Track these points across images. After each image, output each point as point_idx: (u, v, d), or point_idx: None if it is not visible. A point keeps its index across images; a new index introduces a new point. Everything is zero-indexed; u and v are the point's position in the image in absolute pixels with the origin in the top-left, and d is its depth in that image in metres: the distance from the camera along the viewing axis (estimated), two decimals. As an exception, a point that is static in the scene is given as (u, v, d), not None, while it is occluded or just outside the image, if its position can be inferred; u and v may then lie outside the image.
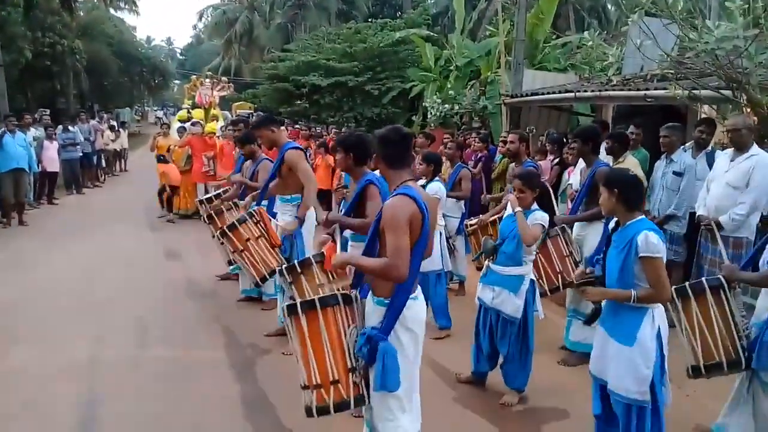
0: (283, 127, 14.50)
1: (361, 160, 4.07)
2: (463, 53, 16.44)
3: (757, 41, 5.24)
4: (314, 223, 5.54)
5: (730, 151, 5.09)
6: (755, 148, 4.89)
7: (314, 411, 2.90)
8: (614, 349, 3.25)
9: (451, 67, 16.69)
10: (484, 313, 4.50)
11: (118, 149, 19.10)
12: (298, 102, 21.89)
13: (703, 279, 3.61)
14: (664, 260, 3.18)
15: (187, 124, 12.75)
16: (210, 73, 23.00)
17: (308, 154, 10.56)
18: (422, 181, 5.57)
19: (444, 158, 6.75)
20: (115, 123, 20.46)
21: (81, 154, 14.56)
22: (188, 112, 18.96)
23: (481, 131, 10.70)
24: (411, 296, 2.89)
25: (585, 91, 9.34)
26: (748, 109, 5.55)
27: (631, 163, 5.44)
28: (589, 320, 3.50)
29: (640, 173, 5.12)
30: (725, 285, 3.43)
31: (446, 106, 14.60)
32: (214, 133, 12.33)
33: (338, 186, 9.40)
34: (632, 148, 6.10)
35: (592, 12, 30.38)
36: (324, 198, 10.00)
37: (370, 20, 26.32)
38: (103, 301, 6.47)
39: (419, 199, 2.81)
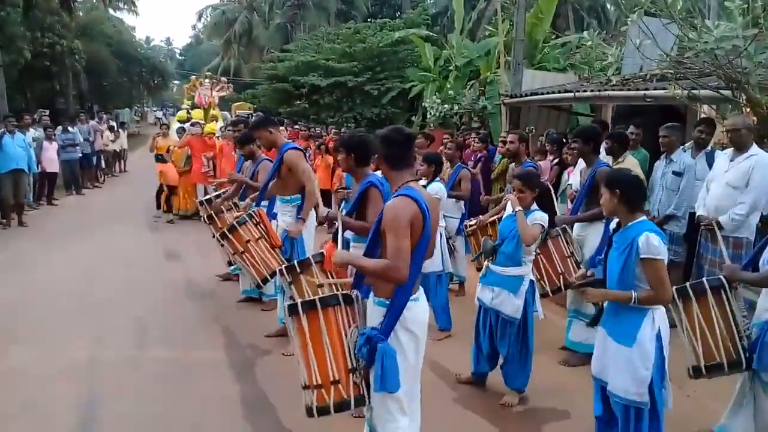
0: (282, 128, 14.54)
1: (363, 160, 4.06)
2: (463, 53, 16.44)
3: (756, 41, 5.24)
4: (314, 224, 5.53)
5: (729, 151, 5.09)
6: (755, 148, 4.89)
7: (315, 411, 2.90)
8: (614, 350, 3.25)
9: (451, 67, 16.70)
10: (484, 313, 4.50)
11: (118, 150, 19.10)
12: (298, 102, 21.89)
13: (704, 279, 3.61)
14: (666, 262, 3.17)
15: (187, 125, 12.76)
16: (209, 73, 23.05)
17: (308, 155, 10.56)
18: (423, 182, 5.56)
19: (443, 158, 6.75)
20: (114, 123, 20.45)
21: (80, 155, 14.55)
22: (188, 112, 18.99)
23: (481, 131, 10.70)
24: (412, 297, 2.87)
25: (584, 91, 9.34)
26: (748, 109, 5.56)
27: (630, 163, 5.43)
28: (593, 322, 3.50)
29: (640, 173, 5.11)
30: (726, 285, 3.43)
31: (446, 106, 14.61)
32: (214, 134, 12.35)
33: (338, 187, 9.42)
34: (632, 148, 6.09)
35: (591, 12, 30.40)
36: (324, 198, 9.98)
37: (369, 20, 26.29)
38: (103, 302, 6.47)
39: (421, 200, 2.79)
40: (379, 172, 3.87)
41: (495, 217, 5.64)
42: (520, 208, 4.30)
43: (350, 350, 2.89)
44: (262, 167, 6.20)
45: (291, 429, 3.99)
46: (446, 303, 5.70)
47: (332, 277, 3.78)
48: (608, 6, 31.39)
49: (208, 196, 7.29)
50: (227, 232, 5.30)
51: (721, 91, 5.67)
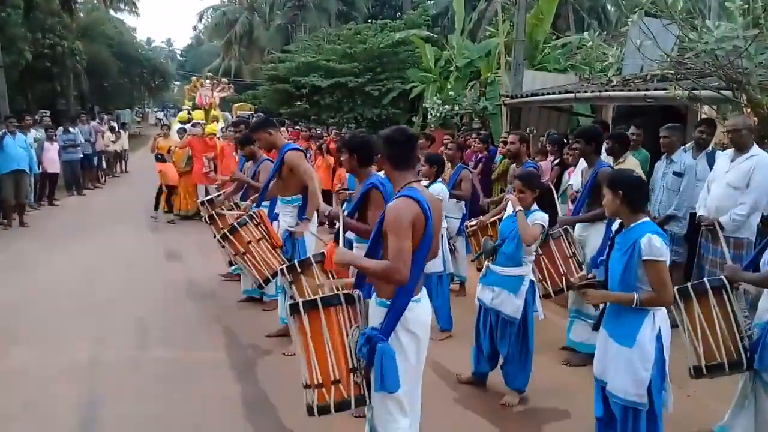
0: (283, 129, 14.54)
1: (365, 161, 4.04)
2: (463, 54, 16.45)
3: (756, 41, 5.25)
4: (316, 224, 5.53)
5: (730, 151, 5.09)
6: (755, 149, 4.89)
7: (315, 410, 2.90)
8: (614, 351, 3.25)
9: (451, 68, 16.70)
10: (484, 313, 4.50)
11: (119, 150, 19.11)
12: (298, 103, 21.91)
13: (706, 279, 3.60)
14: (668, 264, 3.16)
15: (188, 125, 12.79)
16: (210, 74, 23.09)
17: (308, 155, 10.57)
18: (425, 183, 5.57)
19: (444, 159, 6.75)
20: (115, 124, 20.46)
21: (81, 156, 14.56)
22: (188, 113, 19.03)
23: (481, 132, 10.70)
24: (413, 298, 2.86)
25: (585, 91, 9.35)
26: (748, 110, 5.56)
27: (631, 163, 5.44)
28: (597, 326, 3.49)
29: (641, 174, 5.12)
30: (727, 285, 3.42)
31: (446, 106, 14.61)
32: (215, 134, 12.36)
33: (340, 188, 9.42)
34: (633, 148, 6.10)
35: (591, 12, 30.40)
36: (325, 199, 9.99)
37: (370, 21, 26.31)
38: (104, 302, 6.47)
39: (423, 201, 2.79)
40: (381, 173, 3.87)
41: (495, 217, 5.65)
42: (521, 209, 4.30)
43: (351, 350, 2.89)
44: (263, 168, 6.21)
45: (292, 429, 3.99)
46: (447, 303, 5.70)
47: (333, 277, 3.78)
48: (609, 7, 31.40)
49: (209, 197, 7.30)
50: (228, 234, 5.31)
51: (721, 91, 5.67)
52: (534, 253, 4.51)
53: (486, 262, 4.50)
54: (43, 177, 12.65)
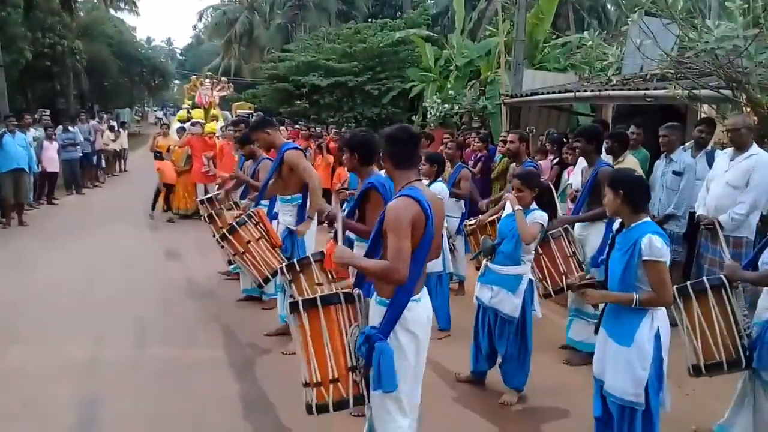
0: (283, 128, 14.54)
1: (366, 160, 4.00)
2: (463, 53, 16.45)
3: (756, 41, 5.25)
4: (315, 223, 5.53)
5: (729, 150, 5.09)
6: (755, 148, 4.89)
7: (314, 409, 2.90)
8: (612, 350, 3.24)
9: (451, 67, 16.70)
10: (483, 312, 4.50)
11: (118, 149, 19.11)
12: (298, 102, 21.91)
13: (705, 278, 3.60)
14: (668, 264, 3.15)
15: (187, 124, 12.78)
16: (210, 73, 23.10)
17: (308, 154, 10.57)
18: (425, 182, 5.56)
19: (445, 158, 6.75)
20: (114, 123, 20.48)
21: (81, 155, 14.56)
22: (188, 112, 19.03)
23: (481, 131, 10.71)
24: (413, 298, 2.85)
25: (585, 90, 9.35)
26: (748, 109, 5.56)
27: (630, 162, 5.44)
28: (599, 327, 3.48)
29: (640, 173, 5.12)
30: (727, 284, 3.42)
31: (446, 106, 14.61)
32: (214, 133, 12.36)
33: (340, 187, 9.43)
34: (633, 147, 6.10)
35: (591, 12, 30.40)
36: (324, 198, 9.98)
37: (369, 20, 26.33)
38: (103, 301, 6.47)
39: (423, 200, 2.77)
40: (383, 172, 3.85)
41: (494, 216, 5.64)
42: (519, 208, 4.30)
43: (350, 349, 2.89)
44: (263, 166, 6.21)
45: (291, 428, 3.99)
46: (447, 303, 5.70)
47: (332, 276, 3.78)
48: (609, 6, 31.39)
49: (208, 195, 7.30)
50: (227, 234, 5.30)
51: (721, 90, 5.67)
52: (533, 252, 4.51)
53: (485, 261, 4.50)
54: (42, 176, 12.64)
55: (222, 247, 5.54)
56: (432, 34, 20.72)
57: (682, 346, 3.53)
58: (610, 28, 26.04)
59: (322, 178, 9.32)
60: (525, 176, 4.44)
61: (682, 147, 5.85)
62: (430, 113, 15.16)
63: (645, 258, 3.09)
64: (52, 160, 12.71)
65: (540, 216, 4.34)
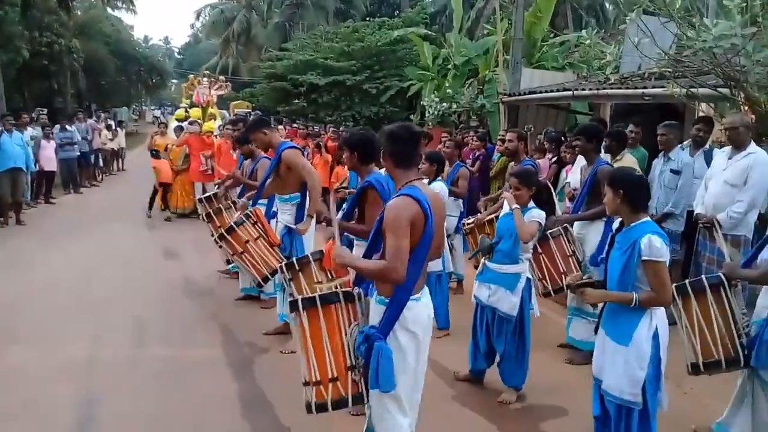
0: (281, 126, 14.52)
1: (366, 158, 3.98)
2: (461, 52, 16.45)
3: (754, 39, 5.24)
4: (315, 222, 5.52)
5: (727, 149, 5.09)
6: (753, 146, 4.89)
7: (313, 407, 2.91)
8: (611, 349, 3.23)
9: (449, 66, 16.71)
10: (481, 311, 4.50)
11: (116, 148, 19.08)
12: (296, 101, 21.90)
13: (703, 277, 3.60)
14: (668, 264, 3.14)
15: (185, 123, 12.74)
16: (208, 72, 23.03)
17: (306, 153, 10.56)
18: (424, 181, 5.55)
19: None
20: (112, 122, 20.44)
21: (78, 154, 14.54)
22: (186, 111, 18.98)
23: (479, 130, 10.71)
24: (413, 297, 2.83)
25: (583, 89, 9.35)
26: (746, 107, 5.56)
27: (629, 161, 5.44)
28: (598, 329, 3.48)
29: (639, 172, 5.12)
30: (725, 283, 3.42)
31: (444, 104, 14.61)
32: (212, 132, 12.33)
33: (340, 186, 9.42)
34: (631, 146, 6.10)
35: (590, 10, 30.43)
36: (322, 196, 9.98)
37: (367, 19, 26.33)
38: (101, 300, 6.46)
39: (423, 200, 2.75)
40: (383, 170, 3.85)
41: (493, 215, 5.64)
42: (517, 206, 4.29)
43: (350, 348, 2.88)
44: (261, 165, 6.20)
45: (290, 427, 3.99)
46: (446, 303, 5.70)
47: (331, 275, 3.78)
48: (607, 5, 31.42)
49: (207, 194, 7.29)
50: (225, 234, 5.29)
51: (719, 89, 5.68)
52: (531, 250, 4.51)
53: (483, 260, 4.50)
54: (39, 175, 12.62)
55: (220, 247, 5.53)
56: (430, 32, 20.71)
57: (680, 344, 3.53)
58: (608, 27, 26.07)
59: (320, 178, 9.33)
60: (522, 175, 4.43)
61: (680, 146, 5.85)
62: (428, 112, 15.16)
63: (644, 258, 3.07)
64: (49, 159, 12.69)
65: (538, 214, 4.34)
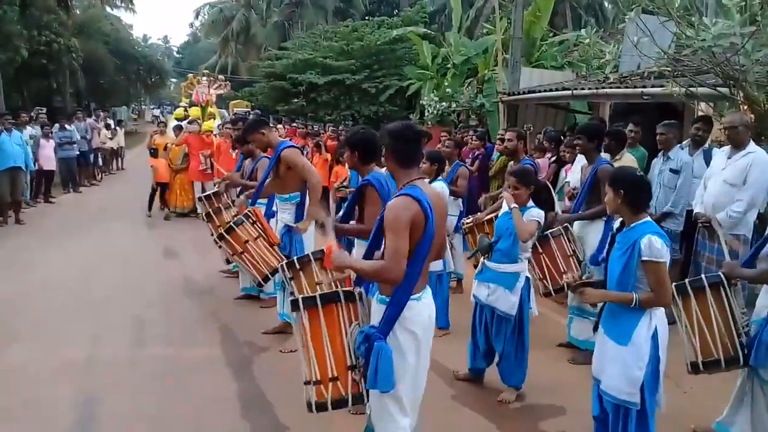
0: (280, 126, 14.51)
1: (367, 157, 3.96)
2: (461, 51, 16.45)
3: (753, 38, 5.25)
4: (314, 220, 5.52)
5: (727, 148, 5.09)
6: (752, 146, 4.89)
7: (313, 407, 2.91)
8: (609, 349, 3.22)
9: (449, 65, 16.71)
10: (480, 310, 4.50)
11: (115, 148, 19.07)
12: (295, 100, 21.92)
13: (703, 276, 3.60)
14: (668, 265, 3.13)
15: (184, 123, 12.74)
16: (207, 71, 23.03)
17: (305, 153, 10.55)
18: (426, 180, 5.54)
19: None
20: (111, 121, 20.44)
21: (78, 153, 14.53)
22: (185, 110, 18.96)
23: (478, 129, 10.71)
24: (413, 297, 2.81)
25: (582, 88, 9.37)
26: (745, 107, 5.57)
27: (628, 160, 5.45)
28: (597, 325, 3.47)
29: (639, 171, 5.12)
30: (725, 282, 3.42)
31: (443, 104, 14.61)
32: (211, 132, 12.34)
33: (339, 185, 9.42)
34: (631, 146, 6.11)
35: (589, 10, 30.42)
36: (321, 195, 9.99)
37: (367, 18, 26.32)
38: (101, 300, 6.46)
39: (423, 200, 2.74)
40: (383, 169, 3.84)
41: (492, 214, 5.64)
42: (516, 205, 4.29)
43: (350, 348, 2.88)
44: (261, 165, 6.19)
45: (289, 426, 3.99)
46: (446, 303, 5.69)
47: (332, 275, 3.78)
48: (606, 4, 31.41)
49: (206, 193, 7.29)
50: (225, 234, 5.29)
51: (718, 88, 5.68)
52: (530, 249, 4.51)
53: (482, 259, 4.50)
54: (39, 174, 12.63)
55: (220, 247, 5.53)
56: (429, 31, 20.72)
57: (680, 344, 3.53)
58: (608, 26, 26.09)
59: (320, 177, 9.33)
60: (521, 174, 4.43)
61: (679, 145, 5.85)
62: (428, 111, 15.16)
63: (644, 258, 3.06)
64: (48, 159, 12.69)
65: (537, 213, 4.34)
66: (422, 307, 2.87)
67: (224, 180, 6.70)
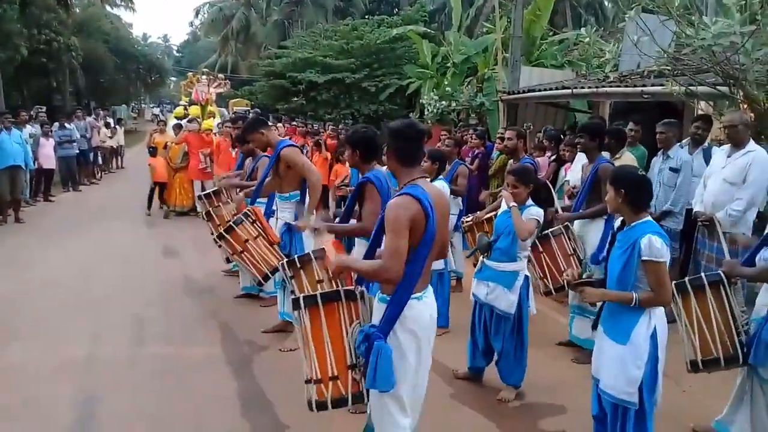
0: (280, 124, 14.49)
1: (368, 156, 3.95)
2: (460, 50, 16.44)
3: (753, 37, 5.25)
4: (313, 219, 5.52)
5: (726, 147, 5.10)
6: (752, 144, 4.90)
7: (314, 405, 2.91)
8: (608, 348, 3.22)
9: (448, 64, 16.71)
10: (479, 309, 4.50)
11: (115, 146, 19.07)
12: (295, 99, 21.92)
13: (702, 275, 3.60)
14: (668, 265, 3.12)
15: (184, 121, 12.74)
16: (206, 70, 23.04)
17: (305, 151, 10.55)
18: (427, 179, 5.54)
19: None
20: (111, 120, 20.44)
21: (77, 151, 14.53)
22: (185, 109, 18.95)
23: (478, 128, 10.71)
24: (414, 296, 2.80)
25: (582, 87, 9.36)
26: (745, 105, 5.57)
27: (627, 159, 5.44)
28: (596, 323, 3.47)
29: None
30: (725, 280, 3.42)
31: (443, 102, 14.61)
32: (211, 130, 12.33)
33: (340, 184, 9.42)
34: (631, 145, 6.10)
35: (589, 8, 30.41)
36: (321, 194, 9.99)
37: (366, 17, 26.33)
38: (100, 299, 6.46)
39: (424, 199, 2.73)
40: (384, 168, 3.84)
41: (491, 213, 5.64)
42: (514, 204, 4.29)
43: (351, 347, 2.88)
44: (261, 164, 6.18)
45: (289, 425, 3.99)
46: (447, 302, 5.69)
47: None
48: (606, 3, 31.41)
49: (206, 191, 7.28)
50: (224, 233, 5.29)
51: (718, 87, 5.68)
52: (529, 248, 4.51)
53: (481, 258, 4.50)
54: (38, 173, 12.62)
55: (220, 246, 5.53)
56: (429, 30, 20.73)
57: (679, 342, 3.53)
58: (607, 25, 26.09)
59: (321, 175, 9.33)
60: (519, 173, 4.43)
61: (678, 144, 5.86)
62: (427, 110, 15.16)
63: (644, 258, 3.06)
64: (48, 157, 12.68)
65: (536, 212, 4.34)
66: (423, 306, 2.86)
67: (223, 179, 6.69)
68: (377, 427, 2.89)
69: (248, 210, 5.35)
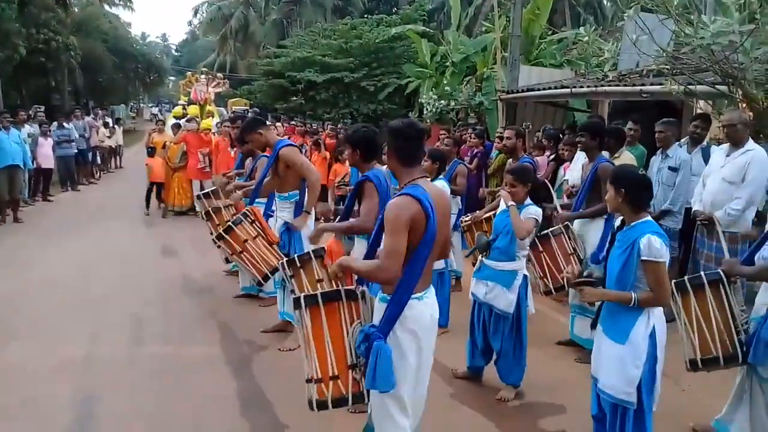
0: (279, 123, 14.48)
1: (368, 155, 3.95)
2: (459, 49, 16.43)
3: (752, 36, 5.25)
4: (313, 218, 5.51)
5: (725, 146, 5.10)
6: (751, 143, 4.90)
7: (314, 405, 2.90)
8: (607, 347, 3.22)
9: (447, 63, 16.71)
10: (478, 308, 4.50)
11: (113, 146, 19.04)
12: (294, 98, 21.90)
13: (702, 273, 3.59)
14: (667, 265, 3.12)
15: (183, 121, 12.74)
16: (205, 69, 23.08)
17: (304, 151, 10.56)
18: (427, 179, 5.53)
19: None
20: (110, 120, 20.41)
21: (76, 151, 14.52)
22: (183, 108, 18.97)
23: (477, 127, 10.71)
24: (415, 296, 2.80)
25: (581, 86, 9.37)
26: (744, 104, 5.57)
27: (626, 158, 5.45)
28: (595, 323, 3.47)
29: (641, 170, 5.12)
30: (724, 279, 3.41)
31: (442, 102, 14.61)
32: (210, 130, 12.34)
33: (340, 183, 9.41)
34: (630, 144, 6.10)
35: (587, 8, 30.38)
36: (320, 194, 9.99)
37: (365, 16, 26.31)
38: (99, 298, 6.45)
39: (424, 199, 2.72)
40: (384, 167, 3.83)
41: (490, 212, 5.64)
42: (513, 203, 4.29)
43: (351, 347, 2.87)
44: (261, 164, 6.17)
45: (288, 425, 3.98)
46: (447, 302, 5.69)
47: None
48: (605, 2, 31.38)
49: (205, 191, 7.28)
50: (224, 234, 5.28)
51: (717, 86, 5.69)
52: (528, 247, 4.51)
53: (480, 257, 4.50)
54: (37, 172, 12.61)
55: (219, 246, 5.52)
56: (428, 30, 20.73)
57: (678, 341, 3.53)
58: (606, 24, 26.07)
59: (320, 175, 9.32)
60: (518, 172, 4.42)
61: (677, 143, 5.85)
62: (426, 109, 15.16)
63: (643, 258, 3.05)
64: (47, 157, 12.67)
65: (534, 211, 4.33)
66: (424, 306, 2.85)
67: (220, 183, 6.68)
68: (377, 427, 2.89)
69: (247, 210, 5.35)
